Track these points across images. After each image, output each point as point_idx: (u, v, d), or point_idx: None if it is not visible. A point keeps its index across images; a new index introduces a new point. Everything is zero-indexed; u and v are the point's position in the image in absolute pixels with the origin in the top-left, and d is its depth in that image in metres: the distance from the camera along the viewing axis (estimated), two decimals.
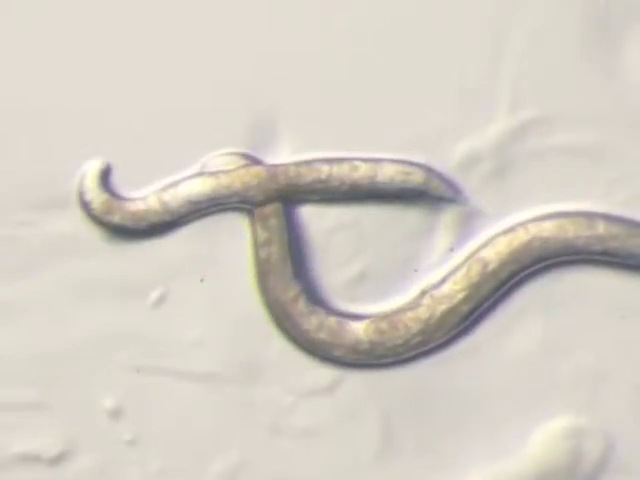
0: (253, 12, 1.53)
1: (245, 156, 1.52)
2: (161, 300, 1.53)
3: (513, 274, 1.50)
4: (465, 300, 1.50)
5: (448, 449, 1.52)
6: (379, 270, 1.53)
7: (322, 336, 1.50)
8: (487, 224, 1.52)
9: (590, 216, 1.50)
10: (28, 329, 1.52)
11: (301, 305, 1.50)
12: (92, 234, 1.52)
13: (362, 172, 1.50)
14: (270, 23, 1.53)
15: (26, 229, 1.52)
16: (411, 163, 1.51)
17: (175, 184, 1.51)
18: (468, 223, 1.52)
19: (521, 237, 1.50)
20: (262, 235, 1.50)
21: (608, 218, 1.50)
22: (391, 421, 1.52)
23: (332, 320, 1.50)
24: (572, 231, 1.49)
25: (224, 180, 1.51)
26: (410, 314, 1.50)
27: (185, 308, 1.53)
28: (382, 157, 1.51)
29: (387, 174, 1.50)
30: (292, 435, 1.52)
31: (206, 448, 1.53)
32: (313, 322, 1.50)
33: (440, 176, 1.51)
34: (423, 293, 1.51)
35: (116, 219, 1.51)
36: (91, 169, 1.51)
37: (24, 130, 1.53)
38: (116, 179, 1.53)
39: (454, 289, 1.50)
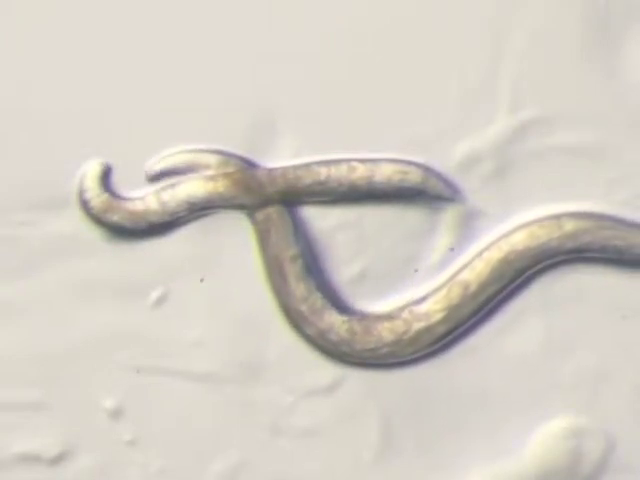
0: (253, 13, 1.53)
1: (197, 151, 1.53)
2: (161, 300, 1.53)
3: (495, 294, 1.50)
4: (443, 321, 1.50)
5: (448, 449, 1.52)
6: (379, 270, 1.53)
7: (302, 307, 1.50)
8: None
9: (557, 217, 1.51)
10: (28, 329, 1.52)
11: (298, 267, 1.50)
12: (92, 234, 1.52)
13: (360, 173, 1.50)
14: (269, 24, 1.53)
15: (26, 229, 1.52)
16: (408, 163, 1.51)
17: (174, 185, 1.52)
18: (468, 223, 1.52)
19: (496, 255, 1.50)
20: (259, 210, 1.51)
21: (575, 215, 1.50)
22: (391, 421, 1.52)
23: (318, 297, 1.50)
24: (543, 236, 1.49)
25: (223, 183, 1.51)
26: (386, 324, 1.50)
27: (185, 308, 1.53)
28: (379, 157, 1.51)
29: (385, 174, 1.50)
30: (292, 435, 1.53)
31: (206, 448, 1.53)
32: (301, 289, 1.50)
33: (438, 175, 1.51)
34: (404, 307, 1.51)
35: (115, 219, 1.51)
36: (91, 169, 1.51)
37: (24, 130, 1.53)
38: (116, 179, 1.53)
39: (433, 308, 1.50)
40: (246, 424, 1.53)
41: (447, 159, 1.53)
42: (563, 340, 1.52)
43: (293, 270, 1.50)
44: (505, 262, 1.49)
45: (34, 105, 1.53)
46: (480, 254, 1.51)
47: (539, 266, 1.50)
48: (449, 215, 1.52)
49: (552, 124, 1.53)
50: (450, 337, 1.51)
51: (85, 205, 1.51)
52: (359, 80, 1.53)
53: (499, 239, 1.51)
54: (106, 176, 1.52)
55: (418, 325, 1.50)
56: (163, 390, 1.53)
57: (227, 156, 1.52)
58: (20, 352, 1.52)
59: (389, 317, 1.51)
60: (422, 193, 1.51)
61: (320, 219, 1.53)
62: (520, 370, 1.52)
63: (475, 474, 1.51)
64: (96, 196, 1.51)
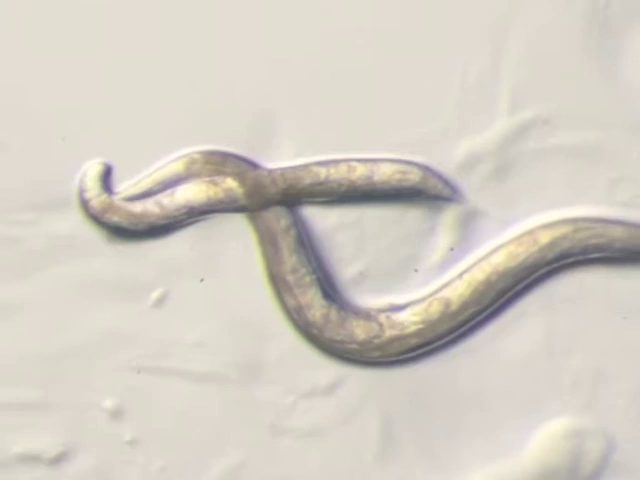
0: (252, 14, 1.53)
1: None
2: (161, 300, 1.53)
3: (474, 315, 1.50)
4: (417, 333, 1.50)
5: (448, 449, 1.52)
6: (379, 270, 1.53)
7: (289, 278, 1.50)
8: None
9: (530, 232, 1.51)
10: (28, 329, 1.52)
11: (290, 239, 1.50)
12: (92, 234, 1.52)
13: (359, 173, 1.50)
14: (269, 24, 1.53)
15: (26, 229, 1.52)
16: (408, 162, 1.51)
17: (174, 191, 1.52)
18: (468, 223, 1.52)
19: (478, 277, 1.50)
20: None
21: (548, 226, 1.51)
22: (391, 421, 1.52)
23: (308, 273, 1.50)
24: (522, 253, 1.50)
25: (223, 186, 1.51)
26: (361, 323, 1.50)
27: (185, 308, 1.53)
28: (379, 157, 1.51)
29: (384, 174, 1.50)
30: (292, 435, 1.53)
31: (206, 448, 1.53)
32: (292, 261, 1.49)
33: (437, 175, 1.51)
34: (383, 310, 1.51)
35: (115, 219, 1.51)
36: (91, 169, 1.51)
37: (24, 130, 1.53)
38: (116, 179, 1.53)
39: (410, 319, 1.50)
40: (246, 424, 1.53)
41: (447, 159, 1.53)
42: (564, 340, 1.52)
43: (286, 241, 1.50)
44: (486, 283, 1.50)
45: (34, 105, 1.53)
46: (461, 275, 1.51)
47: (523, 284, 1.50)
48: (449, 215, 1.52)
49: (552, 124, 1.53)
50: (421, 350, 1.51)
51: (85, 205, 1.51)
52: (359, 80, 1.53)
53: (481, 260, 1.51)
54: (107, 176, 1.52)
55: (391, 332, 1.50)
56: (163, 390, 1.53)
57: (192, 154, 1.52)
58: (20, 352, 1.52)
59: (366, 316, 1.51)
60: (421, 193, 1.51)
61: (320, 219, 1.53)
62: (520, 370, 1.52)
63: (475, 474, 1.51)
64: (96, 196, 1.51)
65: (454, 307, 1.50)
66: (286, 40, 1.52)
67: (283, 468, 1.52)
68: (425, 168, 1.51)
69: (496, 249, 1.51)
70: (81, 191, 1.51)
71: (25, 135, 1.53)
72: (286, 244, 1.50)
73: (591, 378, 1.52)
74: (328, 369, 1.52)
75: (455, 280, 1.51)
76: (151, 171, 1.52)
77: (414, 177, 1.51)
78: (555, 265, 1.50)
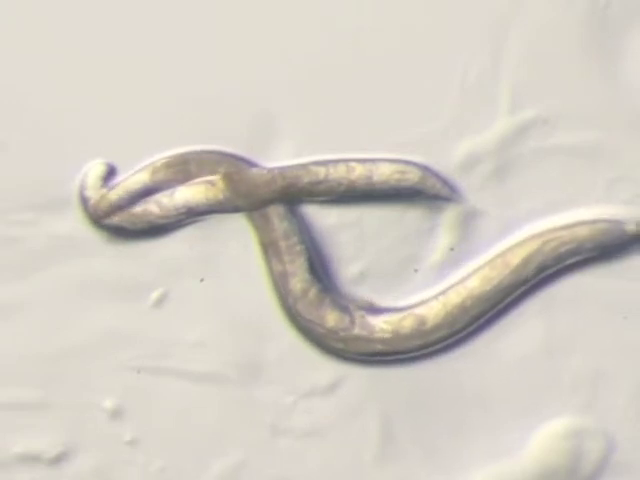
0: (252, 13, 1.53)
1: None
2: (161, 300, 1.53)
3: (445, 338, 1.50)
4: (382, 340, 1.50)
5: (448, 449, 1.52)
6: (379, 270, 1.53)
7: (281, 243, 1.49)
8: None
9: (501, 255, 1.51)
10: (28, 329, 1.52)
11: (280, 209, 1.49)
12: (92, 234, 1.52)
13: (358, 172, 1.50)
14: (269, 24, 1.53)
15: (26, 229, 1.52)
16: (407, 162, 1.51)
17: (173, 191, 1.52)
18: (468, 223, 1.52)
19: (454, 300, 1.50)
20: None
21: (516, 246, 1.51)
22: (391, 421, 1.52)
23: (299, 242, 1.50)
24: (495, 277, 1.50)
25: (222, 185, 1.51)
26: (336, 312, 1.50)
27: (185, 308, 1.53)
28: (378, 157, 1.51)
29: (383, 174, 1.50)
30: (292, 435, 1.53)
31: (206, 448, 1.53)
32: (283, 227, 1.49)
33: (436, 175, 1.51)
34: (362, 307, 1.51)
35: (115, 219, 1.51)
36: (94, 169, 1.51)
37: (24, 130, 1.53)
38: (116, 180, 1.53)
39: (381, 326, 1.50)
40: (246, 424, 1.53)
41: (447, 159, 1.53)
42: (564, 340, 1.52)
43: (276, 211, 1.50)
44: (461, 307, 1.50)
45: (35, 105, 1.53)
46: (436, 297, 1.51)
47: (499, 307, 1.51)
48: (449, 215, 1.52)
49: (552, 124, 1.53)
50: (385, 358, 1.51)
51: (85, 205, 1.51)
52: (359, 80, 1.53)
53: (457, 283, 1.51)
54: (108, 176, 1.52)
55: (359, 331, 1.50)
56: (163, 390, 1.53)
57: (155, 162, 1.52)
58: (20, 352, 1.52)
59: (343, 308, 1.51)
60: (421, 193, 1.51)
61: (320, 218, 1.53)
62: (521, 370, 1.52)
63: (476, 474, 1.51)
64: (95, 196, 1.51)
65: (428, 325, 1.50)
66: (286, 40, 1.52)
67: (283, 468, 1.53)
68: (424, 168, 1.51)
69: (470, 274, 1.51)
70: (81, 191, 1.51)
71: (25, 135, 1.53)
72: (276, 214, 1.50)
73: (591, 378, 1.52)
74: (328, 369, 1.52)
75: (431, 300, 1.51)
76: (119, 181, 1.52)
77: (413, 177, 1.51)
78: (532, 283, 1.51)
